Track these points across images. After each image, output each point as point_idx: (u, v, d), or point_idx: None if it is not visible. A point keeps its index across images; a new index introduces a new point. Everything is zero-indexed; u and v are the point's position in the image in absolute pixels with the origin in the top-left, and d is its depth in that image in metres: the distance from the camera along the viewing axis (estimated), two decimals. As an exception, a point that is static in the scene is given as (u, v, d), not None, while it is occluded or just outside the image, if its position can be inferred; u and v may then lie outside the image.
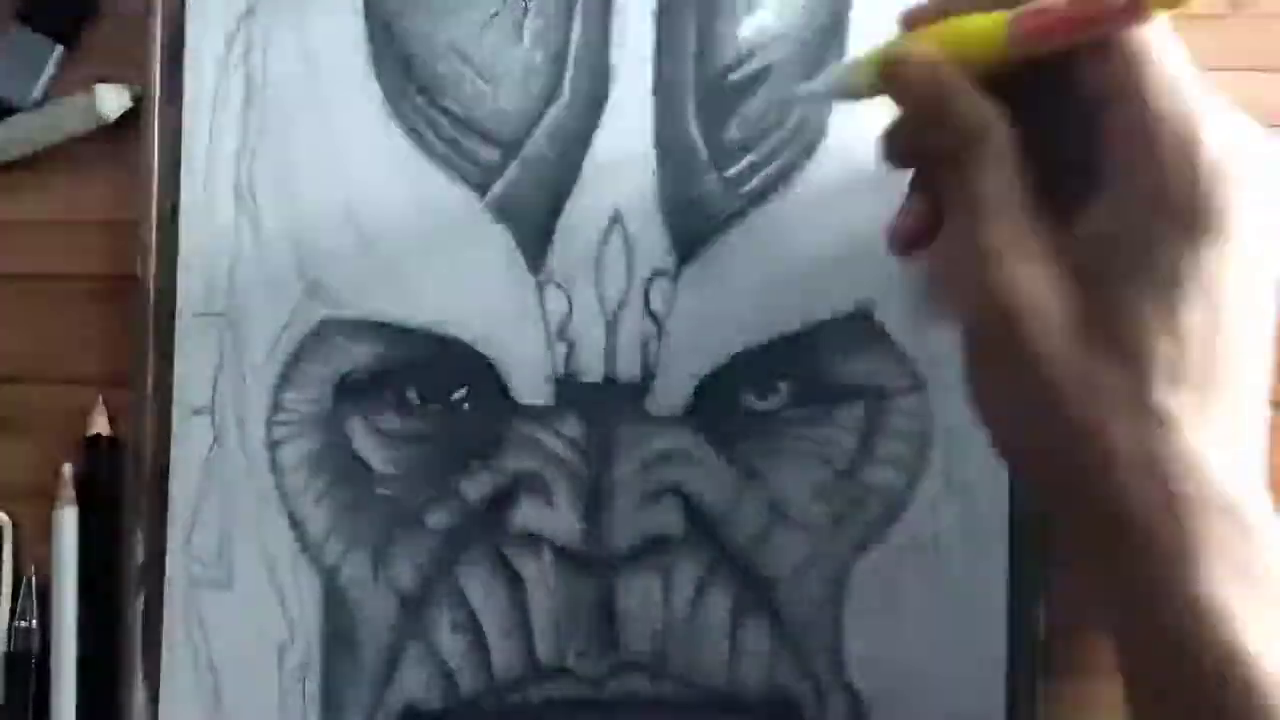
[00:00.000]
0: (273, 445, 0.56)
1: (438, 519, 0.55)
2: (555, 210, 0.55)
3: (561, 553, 0.54)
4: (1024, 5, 0.40)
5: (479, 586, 0.55)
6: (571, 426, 0.54)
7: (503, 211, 0.55)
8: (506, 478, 0.55)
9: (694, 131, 0.55)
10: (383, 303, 0.55)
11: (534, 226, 0.55)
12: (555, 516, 0.54)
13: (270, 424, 0.56)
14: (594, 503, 0.54)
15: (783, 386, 0.54)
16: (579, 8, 0.55)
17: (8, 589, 0.57)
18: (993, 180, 0.40)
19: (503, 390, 0.55)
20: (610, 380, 0.54)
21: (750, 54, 0.55)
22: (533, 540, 0.54)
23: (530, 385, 0.55)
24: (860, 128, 0.54)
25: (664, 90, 0.55)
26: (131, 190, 0.57)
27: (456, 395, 0.55)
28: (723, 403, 0.54)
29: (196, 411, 0.56)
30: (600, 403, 0.54)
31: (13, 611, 0.57)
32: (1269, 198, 0.38)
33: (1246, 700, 0.36)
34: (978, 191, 0.40)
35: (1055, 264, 0.39)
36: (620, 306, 0.54)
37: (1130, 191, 0.38)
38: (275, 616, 0.55)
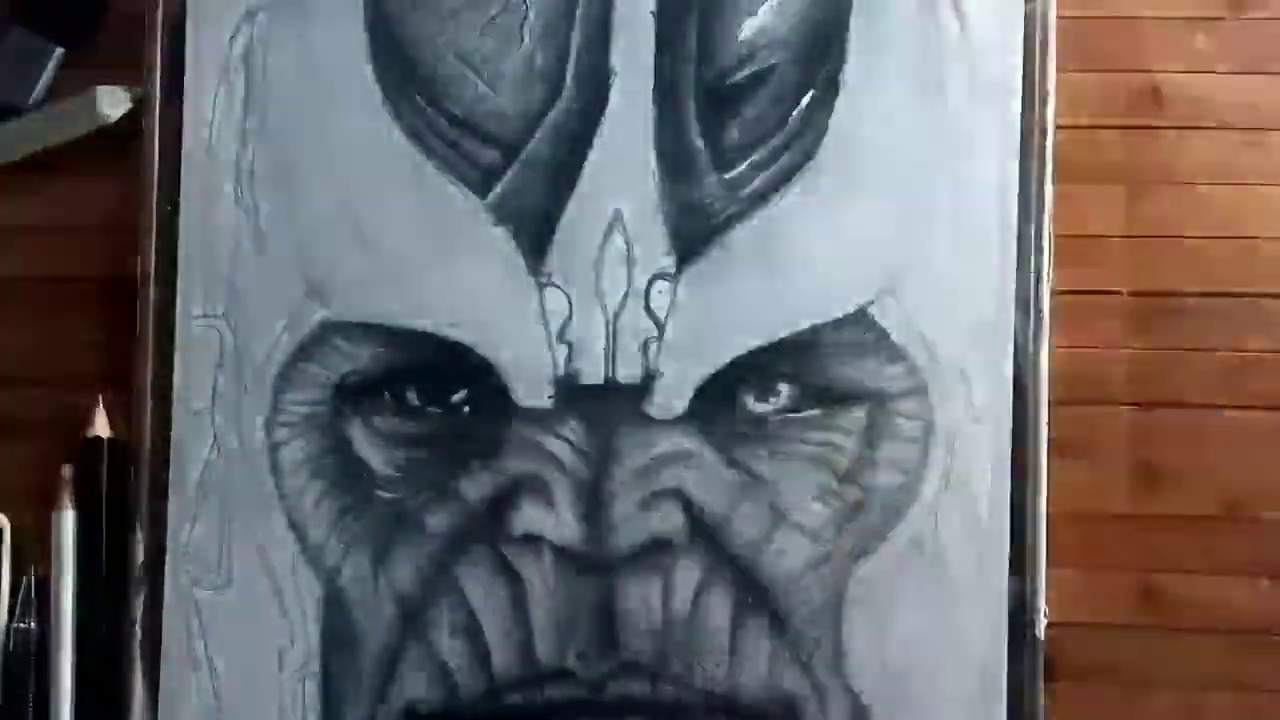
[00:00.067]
0: (273, 447, 0.56)
1: (438, 521, 0.55)
2: (556, 212, 0.55)
3: (562, 554, 0.54)
4: None
5: (479, 588, 0.55)
6: (572, 429, 0.54)
7: (503, 213, 0.55)
8: (507, 479, 0.55)
9: (694, 133, 0.55)
10: (383, 304, 0.55)
11: (534, 228, 0.55)
12: (555, 518, 0.54)
13: (270, 425, 0.56)
14: (594, 505, 0.54)
15: (783, 389, 0.54)
16: (579, 10, 0.55)
17: (7, 590, 0.57)
18: None
19: (503, 392, 0.55)
20: (610, 382, 0.54)
21: (750, 56, 0.55)
22: (533, 542, 0.54)
23: (530, 387, 0.55)
24: (861, 129, 0.54)
25: (664, 93, 0.55)
26: (131, 190, 0.57)
27: (456, 397, 0.55)
28: (723, 405, 0.54)
29: (196, 412, 0.56)
30: (600, 405, 0.54)
31: (12, 612, 0.57)
32: None
33: None
34: None
35: None
36: (621, 308, 0.54)
37: None
38: (275, 617, 0.55)
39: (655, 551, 0.54)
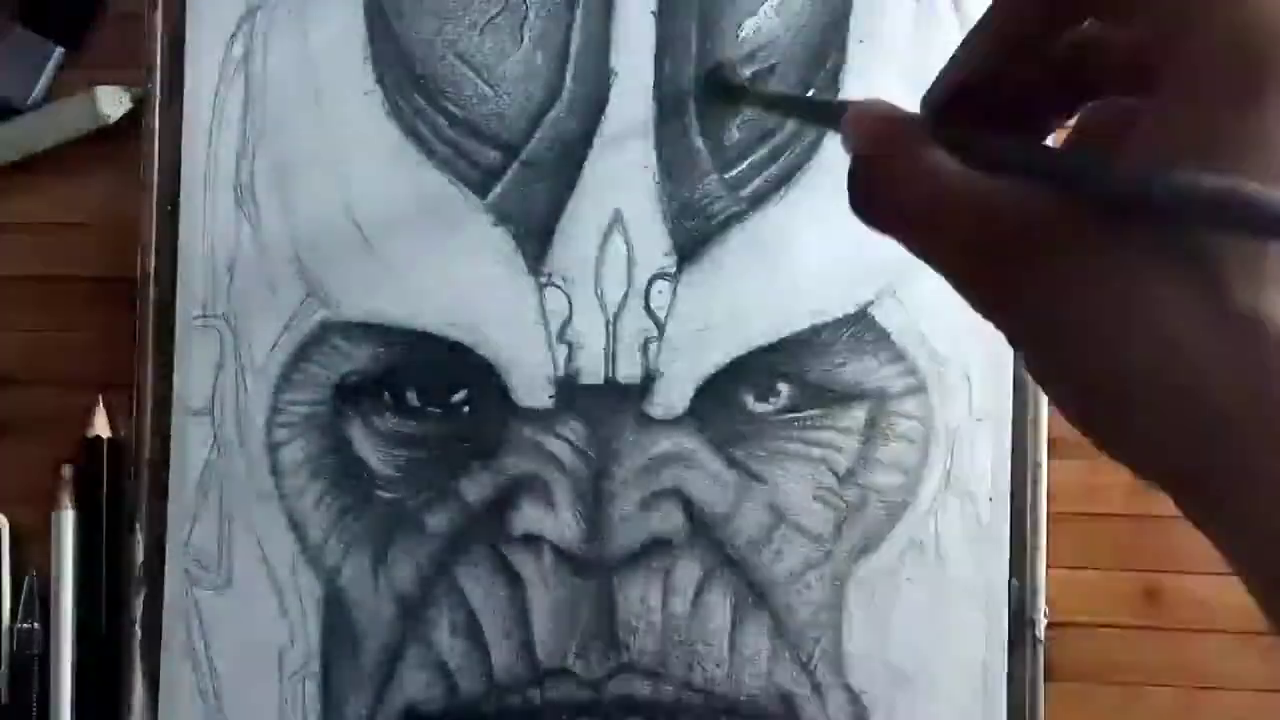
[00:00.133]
0: (272, 447, 0.56)
1: (438, 521, 0.55)
2: (556, 212, 0.55)
3: (561, 554, 0.54)
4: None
5: (479, 588, 0.55)
6: (572, 429, 0.54)
7: (503, 213, 0.55)
8: (506, 479, 0.55)
9: (695, 133, 0.55)
10: (382, 304, 0.55)
11: (534, 228, 0.55)
12: (555, 518, 0.54)
13: (270, 425, 0.56)
14: (594, 505, 0.54)
15: (783, 389, 0.54)
16: (579, 10, 0.55)
17: (8, 590, 0.57)
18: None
19: (503, 392, 0.55)
20: (610, 382, 0.54)
21: (750, 56, 0.55)
22: (533, 542, 0.54)
23: (530, 387, 0.55)
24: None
25: (665, 92, 0.55)
26: (131, 190, 0.57)
27: (456, 397, 0.55)
28: (723, 405, 0.54)
29: (196, 413, 0.56)
30: (600, 405, 0.54)
31: (14, 612, 0.57)
32: None
33: None
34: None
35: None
36: (621, 308, 0.54)
37: (1175, 63, 0.30)
38: (275, 617, 0.55)
39: (655, 551, 0.54)
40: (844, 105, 0.37)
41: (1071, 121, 0.35)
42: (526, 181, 0.55)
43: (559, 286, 0.55)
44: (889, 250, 0.56)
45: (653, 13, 0.55)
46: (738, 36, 0.55)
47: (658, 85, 0.55)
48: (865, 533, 0.54)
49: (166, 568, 0.56)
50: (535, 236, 0.55)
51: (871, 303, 0.54)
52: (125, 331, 0.57)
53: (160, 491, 0.56)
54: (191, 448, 0.56)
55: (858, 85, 0.55)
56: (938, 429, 0.54)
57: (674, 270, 0.54)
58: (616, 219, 0.55)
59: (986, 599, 0.54)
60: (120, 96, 0.57)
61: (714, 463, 0.54)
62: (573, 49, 0.55)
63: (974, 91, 0.34)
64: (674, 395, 0.54)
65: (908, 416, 0.54)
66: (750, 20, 0.55)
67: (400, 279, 0.55)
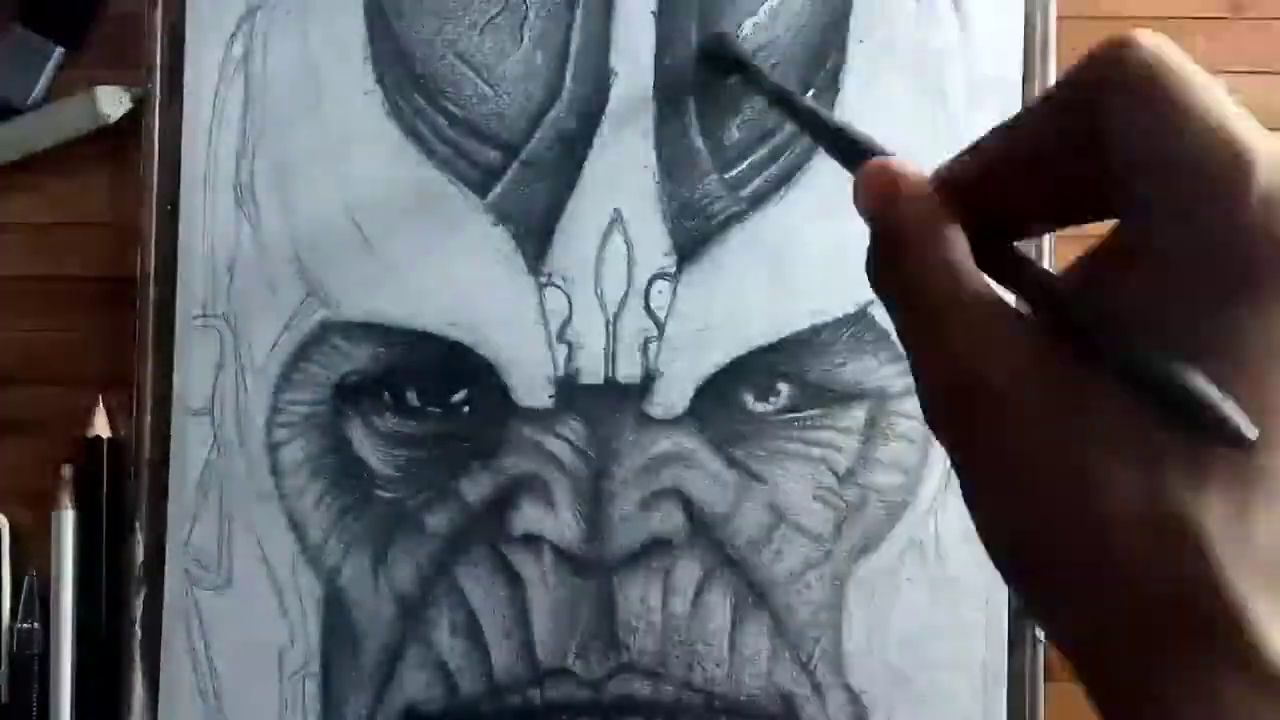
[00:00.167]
0: (272, 447, 0.56)
1: (438, 520, 0.55)
2: (555, 211, 0.55)
3: (561, 554, 0.54)
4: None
5: (479, 588, 0.55)
6: (572, 428, 0.54)
7: (503, 213, 0.55)
8: (506, 479, 0.55)
9: (695, 133, 0.55)
10: (382, 304, 0.55)
11: (534, 228, 0.55)
12: (555, 518, 0.54)
13: (270, 425, 0.56)
14: (594, 504, 0.54)
15: (783, 388, 0.54)
16: (579, 9, 0.55)
17: (8, 590, 0.57)
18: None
19: (503, 392, 0.55)
20: (610, 382, 0.54)
21: (751, 55, 0.55)
22: (533, 542, 0.54)
23: (530, 387, 0.55)
24: (861, 128, 0.54)
25: (664, 92, 0.55)
26: (131, 190, 0.57)
27: (456, 397, 0.55)
28: (723, 405, 0.54)
29: (196, 413, 0.56)
30: (600, 404, 0.54)
31: (14, 612, 0.57)
32: None
33: None
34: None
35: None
36: (620, 308, 0.54)
37: (1163, 248, 0.29)
38: (275, 617, 0.55)
39: (655, 551, 0.54)
40: (853, 145, 0.37)
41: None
42: (526, 181, 0.55)
43: (559, 286, 0.55)
44: (889, 250, 0.55)
45: (653, 13, 0.55)
46: (738, 36, 0.55)
47: (658, 85, 0.55)
48: (865, 533, 0.54)
49: (166, 568, 0.56)
50: (535, 236, 0.55)
51: (872, 303, 0.54)
52: (125, 331, 0.57)
53: (160, 491, 0.56)
54: (191, 448, 0.56)
55: (858, 85, 0.55)
56: (938, 429, 0.54)
57: (674, 270, 0.54)
58: (616, 219, 0.55)
59: (986, 599, 0.54)
60: (120, 96, 0.57)
61: (714, 463, 0.54)
62: (573, 49, 0.55)
63: (982, 181, 0.34)
64: (674, 395, 0.54)
65: (908, 416, 0.54)
66: (750, 20, 0.55)
67: (400, 279, 0.55)
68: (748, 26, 0.55)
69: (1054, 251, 0.55)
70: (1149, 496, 0.29)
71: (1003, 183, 0.33)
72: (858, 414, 0.54)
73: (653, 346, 0.54)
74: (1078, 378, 0.30)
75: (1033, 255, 0.54)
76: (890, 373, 0.54)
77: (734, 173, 0.54)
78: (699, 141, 0.54)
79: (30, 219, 0.59)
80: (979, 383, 0.32)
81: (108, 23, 0.59)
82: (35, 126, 0.58)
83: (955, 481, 0.54)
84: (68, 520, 0.57)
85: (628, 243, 0.54)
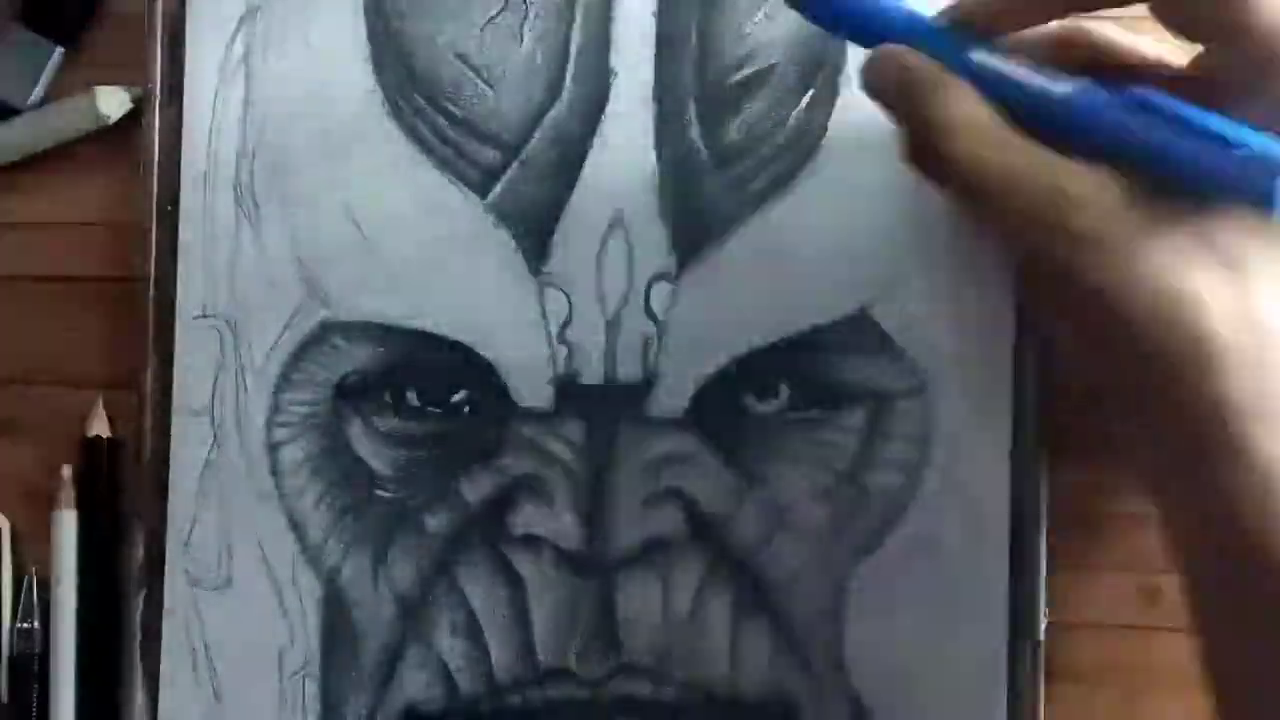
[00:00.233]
0: (273, 447, 0.56)
1: (438, 521, 0.55)
2: (556, 212, 0.55)
3: (562, 555, 0.54)
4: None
5: (479, 588, 0.55)
6: (572, 429, 0.54)
7: (503, 213, 0.55)
8: (507, 480, 0.55)
9: (695, 133, 0.55)
10: (383, 304, 0.55)
11: (534, 228, 0.55)
12: (556, 519, 0.54)
13: (270, 425, 0.56)
14: (594, 505, 0.54)
15: (784, 389, 0.54)
16: (580, 9, 0.55)
17: (8, 590, 0.57)
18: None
19: (503, 392, 0.55)
20: (611, 382, 0.54)
21: (751, 55, 0.55)
22: (533, 542, 0.54)
23: (530, 387, 0.55)
24: (861, 130, 0.54)
25: (665, 92, 0.55)
26: (131, 190, 0.57)
27: (456, 397, 0.55)
28: (724, 405, 0.54)
29: (196, 413, 0.56)
30: (601, 405, 0.54)
31: (14, 612, 0.57)
32: None
33: None
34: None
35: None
36: (621, 308, 0.54)
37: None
38: (275, 617, 0.55)
39: (655, 551, 0.54)
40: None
41: None
42: (526, 181, 0.55)
43: (559, 286, 0.55)
44: (889, 250, 0.56)
45: (653, 13, 0.55)
46: (738, 36, 0.55)
47: (658, 85, 0.55)
48: (865, 533, 0.54)
49: (166, 568, 0.56)
50: (535, 236, 0.55)
51: (871, 303, 0.54)
52: (125, 331, 0.57)
53: (160, 491, 0.56)
54: (191, 448, 0.56)
55: (858, 85, 0.55)
56: (938, 429, 0.54)
57: (674, 271, 0.54)
58: (616, 219, 0.55)
59: (986, 599, 0.54)
60: (120, 96, 0.57)
61: (714, 463, 0.54)
62: (573, 49, 0.55)
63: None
64: (674, 395, 0.54)
65: (908, 416, 0.54)
66: (751, 20, 0.55)
67: (400, 279, 0.55)
68: (748, 26, 0.55)
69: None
70: (1241, 307, 0.37)
71: None
72: (858, 414, 0.54)
73: (653, 347, 0.54)
74: (1151, 215, 0.38)
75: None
76: (891, 373, 0.54)
77: (734, 173, 0.54)
78: (699, 141, 0.54)
79: (30, 219, 0.59)
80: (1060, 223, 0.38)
81: (108, 23, 0.59)
82: (35, 126, 0.58)
83: (955, 481, 0.54)
84: (68, 520, 0.57)
85: (628, 243, 0.54)
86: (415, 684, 0.55)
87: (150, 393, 0.56)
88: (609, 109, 0.55)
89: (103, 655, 0.56)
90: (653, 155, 0.55)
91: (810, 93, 0.55)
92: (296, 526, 0.55)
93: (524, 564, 0.55)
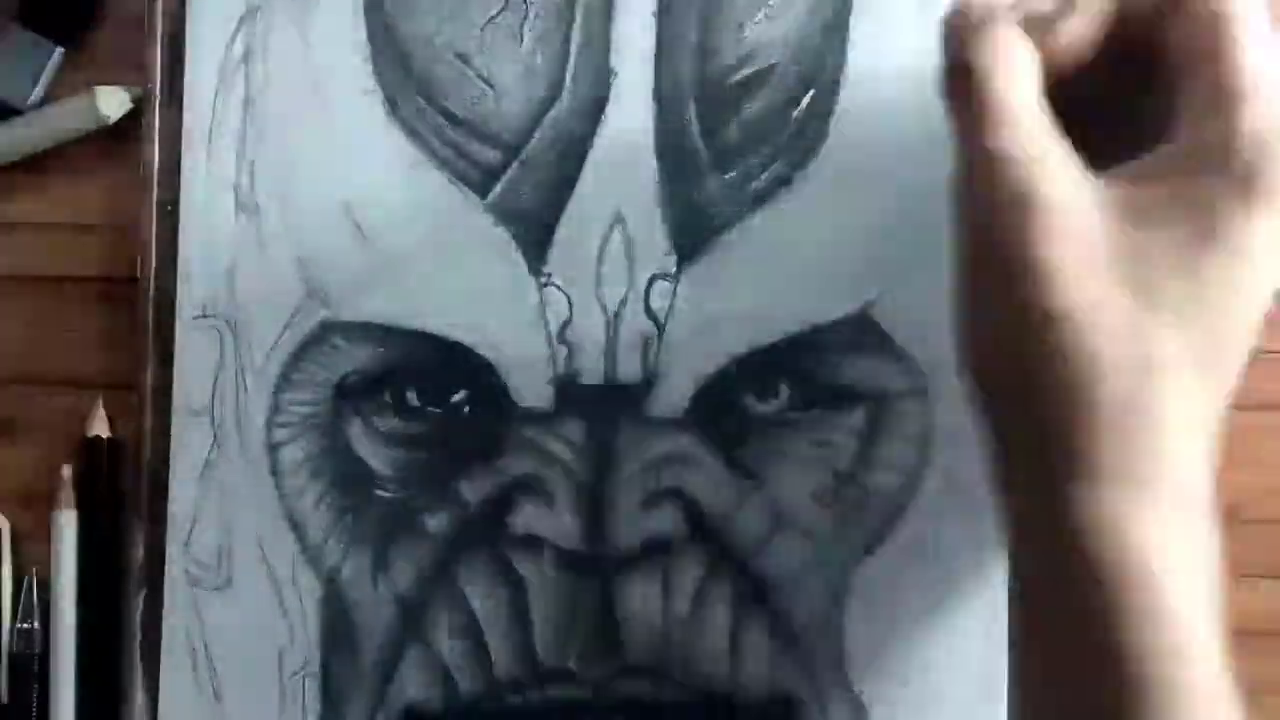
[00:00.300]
0: (272, 447, 0.56)
1: (438, 521, 0.55)
2: (556, 212, 0.55)
3: (562, 555, 0.54)
4: None
5: (479, 589, 0.55)
6: (572, 429, 0.54)
7: (503, 213, 0.55)
8: (507, 480, 0.55)
9: (695, 133, 0.55)
10: (383, 304, 0.55)
11: (534, 228, 0.55)
12: (556, 519, 0.54)
13: (270, 426, 0.56)
14: (594, 505, 0.54)
15: (784, 389, 0.54)
16: (580, 9, 0.55)
17: (8, 590, 0.57)
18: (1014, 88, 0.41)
19: (503, 392, 0.55)
20: (611, 382, 0.54)
21: (751, 55, 0.55)
22: (533, 543, 0.54)
23: (530, 387, 0.55)
24: (861, 130, 0.54)
25: (665, 91, 0.55)
26: (131, 191, 0.57)
27: (456, 397, 0.55)
28: (723, 405, 0.54)
29: (196, 413, 0.56)
30: (601, 405, 0.54)
31: (14, 612, 0.57)
32: None
33: (1151, 635, 0.37)
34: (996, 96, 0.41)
35: (1084, 184, 0.40)
36: (621, 308, 0.54)
37: (1195, 141, 0.39)
38: (275, 617, 0.55)
39: (655, 552, 0.54)
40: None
41: None
42: (526, 181, 0.55)
43: (559, 286, 0.55)
44: (889, 250, 0.56)
45: (653, 13, 0.55)
46: (739, 36, 0.55)
47: (658, 85, 0.55)
48: (866, 533, 0.54)
49: (166, 568, 0.56)
50: (535, 236, 0.55)
51: (871, 303, 0.54)
52: (125, 331, 0.57)
53: (160, 491, 0.56)
54: (191, 448, 0.56)
55: (858, 87, 0.55)
56: (938, 429, 0.54)
57: (674, 270, 0.54)
58: (616, 219, 0.55)
59: (987, 600, 0.54)
60: (120, 96, 0.57)
61: (714, 463, 0.54)
62: (573, 49, 0.55)
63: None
64: (674, 395, 0.54)
65: (908, 416, 0.54)
66: (751, 20, 0.55)
67: (400, 279, 0.55)
68: (749, 26, 0.55)
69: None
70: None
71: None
72: (858, 414, 0.54)
73: (653, 347, 0.54)
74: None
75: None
76: (891, 373, 0.54)
77: (734, 172, 0.54)
78: (699, 141, 0.54)
79: (30, 219, 0.59)
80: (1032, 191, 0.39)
81: (108, 23, 0.59)
82: (35, 126, 0.58)
83: (955, 481, 0.55)
84: (68, 520, 0.57)
85: (628, 243, 0.54)
86: (415, 684, 0.55)
87: (150, 393, 0.56)
88: (609, 109, 0.55)
89: (103, 655, 0.56)
90: (653, 155, 0.55)
91: (810, 93, 0.55)
92: (296, 526, 0.55)
93: (524, 564, 0.55)
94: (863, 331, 0.54)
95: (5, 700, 0.56)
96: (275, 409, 0.56)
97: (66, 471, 0.57)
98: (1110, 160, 0.41)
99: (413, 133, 0.56)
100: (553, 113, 0.55)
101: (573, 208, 0.55)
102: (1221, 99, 0.38)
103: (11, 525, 0.58)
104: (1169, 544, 0.38)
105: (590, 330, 0.54)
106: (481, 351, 0.55)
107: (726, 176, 0.55)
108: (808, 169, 0.55)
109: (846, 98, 0.54)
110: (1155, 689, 0.37)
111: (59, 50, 0.58)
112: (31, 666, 0.56)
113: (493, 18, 0.56)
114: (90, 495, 0.57)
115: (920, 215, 0.54)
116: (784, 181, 0.55)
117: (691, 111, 0.55)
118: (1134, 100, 0.43)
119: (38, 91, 0.58)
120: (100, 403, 0.58)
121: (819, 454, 0.54)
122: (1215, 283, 0.38)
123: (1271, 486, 0.56)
